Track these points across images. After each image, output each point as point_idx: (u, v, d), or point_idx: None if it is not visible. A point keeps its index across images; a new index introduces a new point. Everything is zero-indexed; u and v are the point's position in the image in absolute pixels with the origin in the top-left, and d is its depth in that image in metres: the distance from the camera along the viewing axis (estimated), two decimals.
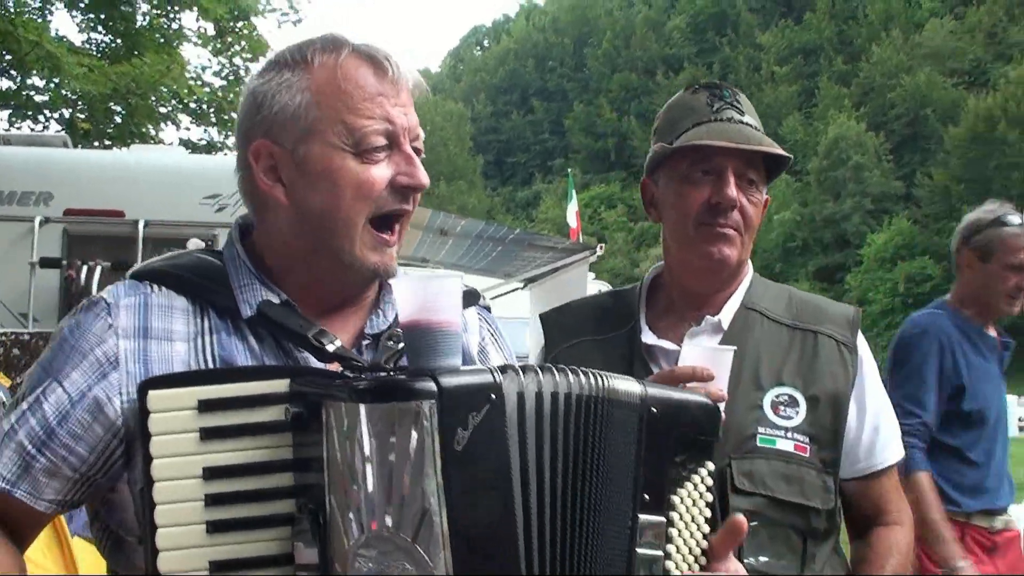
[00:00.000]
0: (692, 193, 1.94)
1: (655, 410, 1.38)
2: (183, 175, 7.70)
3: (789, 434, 1.89)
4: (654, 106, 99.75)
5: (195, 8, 14.99)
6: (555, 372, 1.30)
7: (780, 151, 1.94)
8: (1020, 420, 37.24)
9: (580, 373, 1.32)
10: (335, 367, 1.40)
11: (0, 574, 1.31)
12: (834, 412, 1.93)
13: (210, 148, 15.96)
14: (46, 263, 6.99)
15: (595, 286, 10.25)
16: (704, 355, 1.76)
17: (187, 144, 15.36)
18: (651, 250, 71.16)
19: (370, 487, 1.13)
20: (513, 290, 9.49)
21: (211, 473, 1.27)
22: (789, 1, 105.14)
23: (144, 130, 14.62)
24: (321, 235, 1.43)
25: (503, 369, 1.24)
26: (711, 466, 1.44)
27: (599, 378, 1.34)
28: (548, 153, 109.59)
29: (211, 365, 1.40)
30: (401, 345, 1.46)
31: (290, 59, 1.45)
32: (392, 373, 1.35)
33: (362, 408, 1.14)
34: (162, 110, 15.36)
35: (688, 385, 1.68)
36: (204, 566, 1.27)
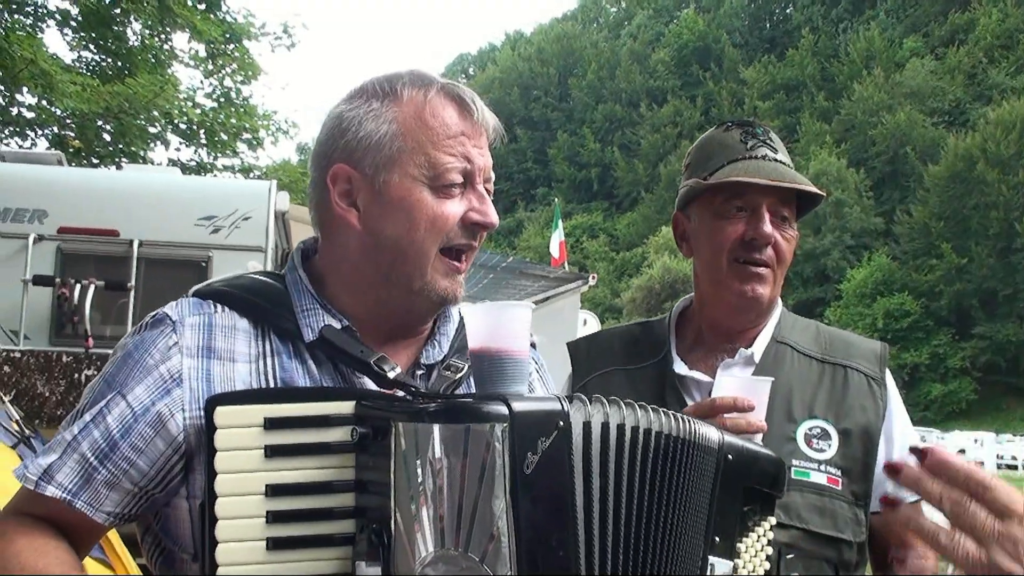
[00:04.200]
0: (727, 228, 1.96)
1: (731, 457, 1.43)
2: (179, 196, 7.67)
3: (822, 467, 1.91)
4: (637, 137, 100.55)
5: (187, 29, 15.01)
6: (634, 408, 1.33)
7: (814, 189, 1.96)
8: (999, 457, 37.54)
9: (661, 412, 1.36)
10: (394, 394, 1.42)
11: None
12: (865, 445, 1.95)
13: (200, 169, 15.95)
14: (39, 281, 6.94)
15: (580, 316, 10.27)
16: (742, 386, 1.77)
17: (177, 165, 15.33)
18: (632, 280, 71.30)
19: (439, 506, 1.14)
20: None
21: (274, 490, 1.29)
22: (772, 37, 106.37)
23: (133, 149, 14.59)
24: (393, 262, 1.45)
25: (569, 398, 1.25)
26: (773, 520, 1.49)
27: (682, 420, 1.39)
28: (531, 182, 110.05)
29: (272, 386, 1.42)
30: (459, 375, 1.50)
31: (379, 90, 1.48)
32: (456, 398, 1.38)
33: (436, 428, 1.15)
34: (152, 130, 15.33)
35: (728, 416, 1.70)
36: None
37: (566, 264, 18.00)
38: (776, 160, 1.98)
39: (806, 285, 69.63)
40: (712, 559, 1.40)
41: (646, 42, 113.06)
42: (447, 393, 1.47)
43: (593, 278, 8.72)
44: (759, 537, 1.47)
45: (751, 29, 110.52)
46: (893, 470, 0.91)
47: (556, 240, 17.70)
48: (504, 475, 1.15)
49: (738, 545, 1.44)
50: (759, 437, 1.70)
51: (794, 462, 1.89)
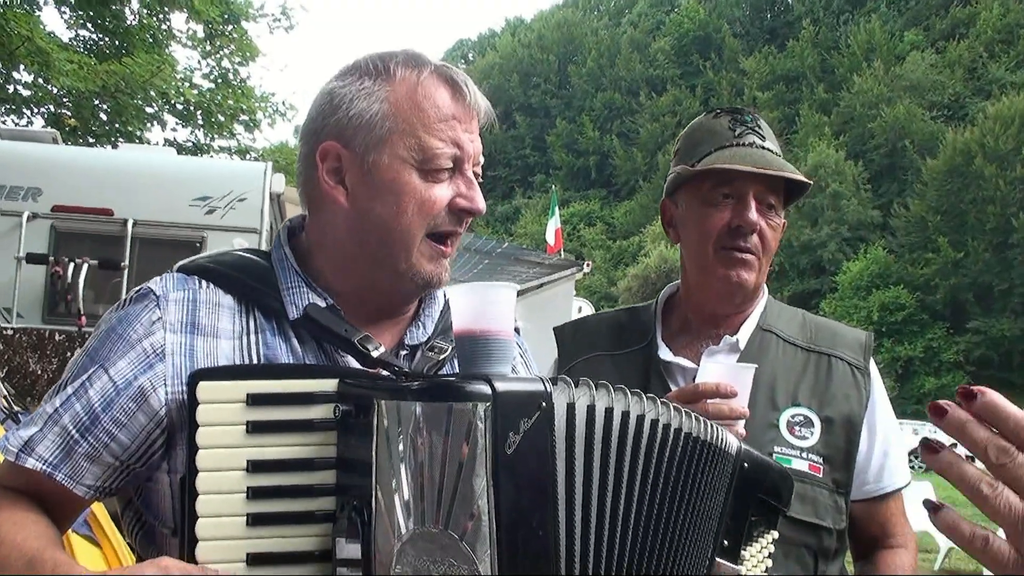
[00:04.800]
0: (713, 215, 1.96)
1: (747, 465, 1.45)
2: (174, 176, 7.65)
3: (804, 454, 1.91)
4: (636, 126, 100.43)
5: (185, 9, 14.94)
6: (624, 392, 1.31)
7: (801, 177, 1.96)
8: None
9: (683, 412, 1.37)
10: (377, 373, 1.42)
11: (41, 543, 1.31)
12: (847, 434, 1.95)
13: (196, 150, 15.91)
14: (32, 259, 6.93)
15: (575, 303, 10.28)
16: (725, 372, 1.76)
17: (173, 145, 15.29)
18: (628, 269, 71.31)
19: (420, 485, 1.14)
20: None
21: (255, 466, 1.29)
22: (773, 28, 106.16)
23: (130, 129, 14.54)
24: (380, 242, 1.45)
25: (554, 380, 1.24)
26: (776, 534, 1.50)
27: (705, 423, 1.40)
28: (529, 168, 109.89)
29: (256, 363, 1.41)
30: (443, 356, 1.50)
31: (371, 68, 1.47)
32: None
33: (418, 406, 1.14)
34: (149, 110, 15.28)
35: (710, 402, 1.70)
36: (241, 558, 1.28)
37: (562, 251, 18.00)
38: (764, 147, 1.97)
39: (802, 277, 69.64)
40: (719, 560, 1.41)
41: (646, 30, 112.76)
42: (428, 374, 1.46)
43: (588, 265, 8.73)
44: (762, 548, 1.48)
45: (752, 19, 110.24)
46: (937, 411, 0.85)
47: (552, 227, 17.71)
48: (486, 455, 1.14)
49: (743, 552, 1.45)
50: (741, 423, 1.71)
51: (776, 449, 1.90)
